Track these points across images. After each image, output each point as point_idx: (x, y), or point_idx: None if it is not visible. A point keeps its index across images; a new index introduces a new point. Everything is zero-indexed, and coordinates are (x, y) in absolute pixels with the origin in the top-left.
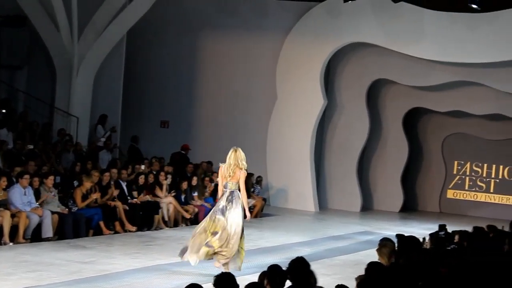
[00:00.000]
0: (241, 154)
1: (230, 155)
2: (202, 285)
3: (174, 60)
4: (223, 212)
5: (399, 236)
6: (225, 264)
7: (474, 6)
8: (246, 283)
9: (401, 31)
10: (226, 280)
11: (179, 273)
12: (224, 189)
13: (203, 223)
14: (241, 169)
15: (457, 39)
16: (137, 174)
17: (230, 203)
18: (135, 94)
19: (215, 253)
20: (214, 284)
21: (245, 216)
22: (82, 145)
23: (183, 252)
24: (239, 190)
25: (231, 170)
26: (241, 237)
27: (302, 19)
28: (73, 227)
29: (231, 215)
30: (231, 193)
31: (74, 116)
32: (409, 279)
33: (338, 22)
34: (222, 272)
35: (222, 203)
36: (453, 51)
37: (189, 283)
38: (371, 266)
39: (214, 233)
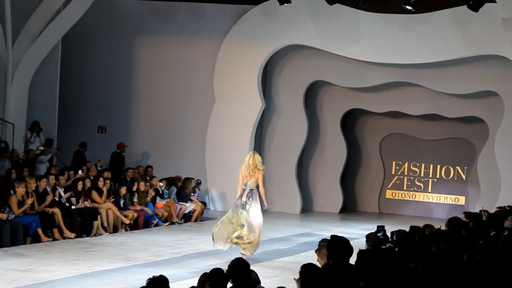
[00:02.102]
0: (258, 157)
1: (249, 158)
2: None
3: (110, 65)
4: (244, 206)
5: (331, 237)
6: (249, 251)
7: (408, 7)
8: (186, 287)
9: (337, 33)
10: (159, 284)
11: (120, 280)
12: (244, 187)
13: (228, 215)
14: (259, 169)
15: (392, 40)
16: (74, 180)
17: (250, 199)
18: (72, 100)
19: (243, 243)
20: (147, 285)
21: (263, 206)
22: (18, 152)
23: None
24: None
25: (251, 170)
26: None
27: (238, 22)
28: (11, 235)
29: (252, 210)
30: (251, 190)
31: (10, 123)
32: (345, 279)
33: (274, 24)
34: (154, 277)
35: (243, 199)
36: (388, 52)
37: None
38: (305, 268)
39: (241, 225)
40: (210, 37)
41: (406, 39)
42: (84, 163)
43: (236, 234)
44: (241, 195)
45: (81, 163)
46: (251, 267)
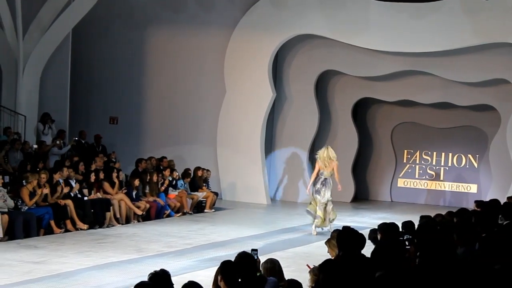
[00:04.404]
0: (331, 150)
1: (324, 151)
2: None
3: (121, 56)
4: (319, 192)
5: (341, 229)
6: (323, 227)
7: None
8: (199, 278)
9: (347, 22)
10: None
11: (132, 271)
12: (320, 176)
13: (315, 202)
14: (333, 161)
15: (403, 28)
16: (87, 172)
17: (324, 186)
18: (83, 91)
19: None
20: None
21: (338, 189)
22: (30, 144)
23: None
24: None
25: (326, 162)
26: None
27: (248, 13)
28: (24, 227)
29: (326, 195)
30: (325, 179)
31: (21, 115)
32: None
33: (284, 14)
34: (156, 271)
35: (318, 185)
36: (399, 41)
37: (140, 280)
38: (325, 265)
39: (321, 208)
40: (220, 27)
41: (416, 28)
42: (84, 152)
43: (316, 214)
44: (316, 182)
45: (81, 152)
46: (267, 257)
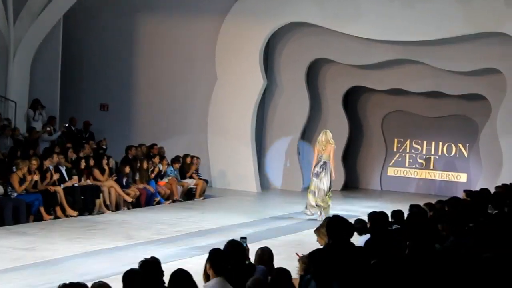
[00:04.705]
0: (329, 134)
1: (322, 135)
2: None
3: (112, 42)
4: (317, 175)
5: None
6: (321, 213)
7: None
8: (188, 266)
9: (338, 10)
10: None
11: (122, 258)
12: (319, 159)
13: (311, 185)
14: (330, 144)
15: (394, 17)
16: (77, 158)
17: (323, 170)
18: (74, 78)
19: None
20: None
21: (332, 177)
22: (20, 130)
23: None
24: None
25: (324, 145)
26: (328, 195)
27: (239, 0)
28: (13, 213)
29: (324, 178)
30: (324, 162)
31: (12, 101)
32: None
33: (276, 2)
34: (146, 259)
35: (317, 169)
36: (390, 29)
37: (130, 267)
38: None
39: (313, 193)
40: (211, 14)
41: (408, 16)
42: (73, 138)
43: (313, 202)
44: (315, 166)
45: (71, 139)
46: (257, 245)
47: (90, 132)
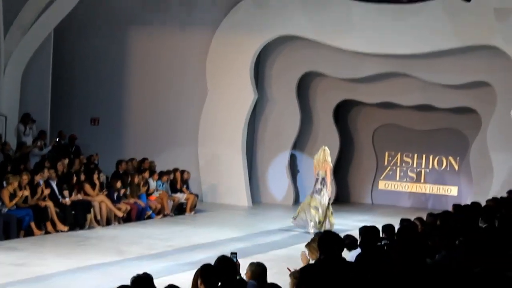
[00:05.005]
0: (327, 151)
1: (320, 153)
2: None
3: (102, 56)
4: (318, 192)
5: (323, 233)
6: (319, 228)
7: None
8: (180, 281)
9: (329, 24)
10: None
11: (113, 273)
12: (317, 176)
13: (306, 200)
14: (328, 162)
15: (385, 30)
16: (67, 173)
17: (323, 186)
18: (64, 92)
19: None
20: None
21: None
22: (10, 145)
23: (294, 219)
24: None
25: (321, 163)
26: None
27: (231, 13)
28: (4, 229)
29: (325, 195)
30: (323, 179)
31: (2, 115)
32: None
33: (267, 15)
34: (139, 275)
35: (318, 185)
36: (381, 43)
37: (121, 283)
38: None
39: (316, 208)
40: (202, 28)
41: (398, 30)
42: (61, 152)
43: (314, 215)
44: (316, 183)
45: (59, 153)
46: (248, 260)
47: (76, 146)
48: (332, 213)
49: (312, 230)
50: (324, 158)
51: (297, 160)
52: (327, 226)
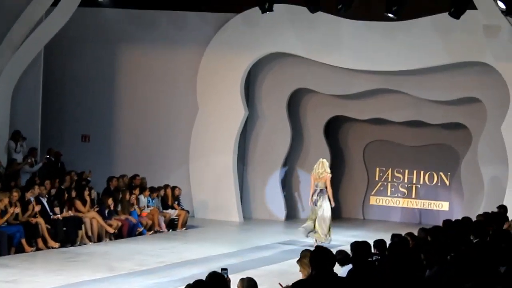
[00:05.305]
0: (326, 163)
1: (319, 164)
2: None
3: (93, 74)
4: (316, 203)
5: (315, 248)
6: (318, 240)
7: (390, 15)
8: None
9: (319, 41)
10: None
11: None
12: (315, 188)
13: (311, 213)
14: (327, 173)
15: (375, 47)
16: (58, 190)
17: (321, 197)
18: (55, 109)
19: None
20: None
21: (331, 205)
22: (1, 161)
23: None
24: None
25: (320, 174)
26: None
27: (220, 30)
28: None
29: (323, 206)
30: (321, 190)
31: None
32: None
33: (257, 33)
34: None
35: (315, 197)
36: (371, 59)
37: None
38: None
39: (313, 220)
40: (192, 45)
41: (388, 47)
42: (49, 169)
43: (313, 228)
44: (313, 194)
45: (52, 170)
46: (240, 275)
47: (61, 163)
48: (330, 225)
49: (309, 236)
50: (323, 169)
51: (288, 176)
52: (326, 239)
